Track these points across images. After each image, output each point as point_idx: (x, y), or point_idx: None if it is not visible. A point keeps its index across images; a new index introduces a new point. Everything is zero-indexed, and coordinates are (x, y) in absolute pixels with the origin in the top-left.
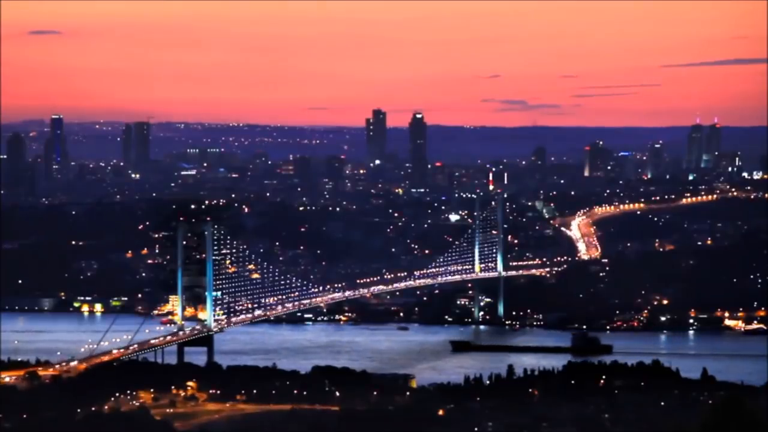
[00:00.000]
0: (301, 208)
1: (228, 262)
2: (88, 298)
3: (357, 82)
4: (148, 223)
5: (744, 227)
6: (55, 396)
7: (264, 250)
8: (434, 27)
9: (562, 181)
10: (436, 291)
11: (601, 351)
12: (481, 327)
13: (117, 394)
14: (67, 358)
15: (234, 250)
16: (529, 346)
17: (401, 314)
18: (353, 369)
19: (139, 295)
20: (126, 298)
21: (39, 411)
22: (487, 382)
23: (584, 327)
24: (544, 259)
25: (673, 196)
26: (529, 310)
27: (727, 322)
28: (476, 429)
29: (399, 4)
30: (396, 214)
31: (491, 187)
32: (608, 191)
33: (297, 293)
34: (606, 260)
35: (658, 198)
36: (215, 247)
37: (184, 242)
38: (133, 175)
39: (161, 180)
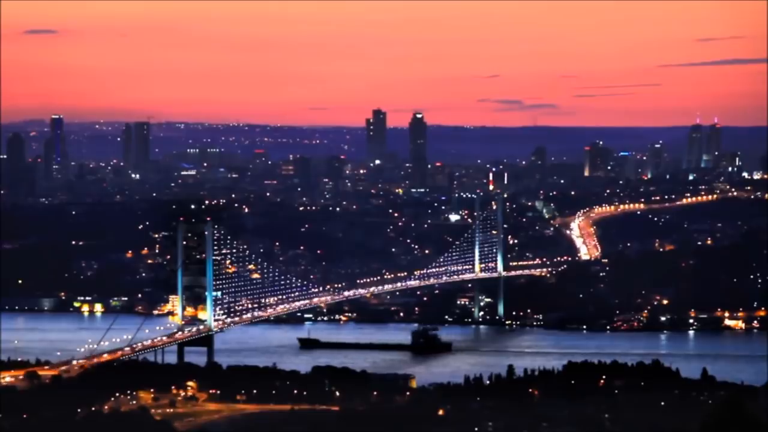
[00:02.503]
0: (301, 208)
1: (228, 262)
2: (88, 298)
3: (357, 82)
4: (148, 223)
5: (744, 227)
6: (55, 396)
7: (264, 250)
8: (434, 27)
9: (562, 181)
10: (436, 291)
11: (441, 349)
12: (481, 327)
13: (117, 394)
14: (68, 358)
15: (234, 250)
16: (371, 344)
17: (401, 314)
18: (353, 369)
19: (139, 295)
20: (126, 298)
21: (39, 411)
22: (487, 382)
23: (584, 327)
24: (544, 259)
25: (673, 196)
26: (529, 310)
27: (727, 322)
28: (476, 429)
29: (399, 4)
30: (396, 214)
31: (491, 187)
32: (608, 191)
33: (297, 293)
34: (606, 260)
35: (658, 198)
36: (215, 247)
37: (184, 242)
38: (133, 175)
39: (161, 180)
